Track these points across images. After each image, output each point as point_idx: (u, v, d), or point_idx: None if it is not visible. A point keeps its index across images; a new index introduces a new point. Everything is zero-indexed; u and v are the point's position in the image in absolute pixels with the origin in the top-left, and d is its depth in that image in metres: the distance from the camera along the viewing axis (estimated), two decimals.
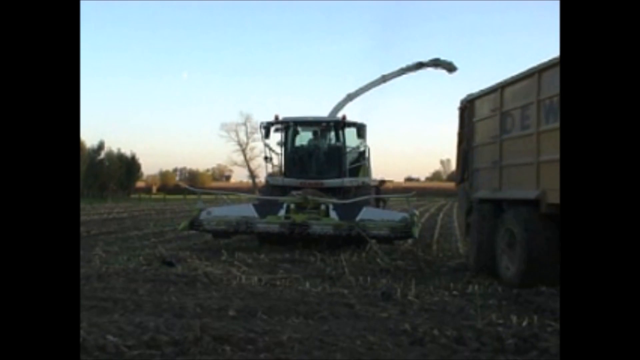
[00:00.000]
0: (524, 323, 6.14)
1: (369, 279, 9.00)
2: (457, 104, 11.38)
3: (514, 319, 6.28)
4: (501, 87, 9.50)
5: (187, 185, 32.79)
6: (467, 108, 10.84)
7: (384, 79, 17.89)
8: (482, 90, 10.37)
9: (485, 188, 10.06)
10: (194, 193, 15.69)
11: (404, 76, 18.09)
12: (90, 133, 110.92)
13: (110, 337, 5.44)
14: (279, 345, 5.34)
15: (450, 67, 18.02)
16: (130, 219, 23.51)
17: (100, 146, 60.00)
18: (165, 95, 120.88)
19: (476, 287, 8.36)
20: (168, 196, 56.29)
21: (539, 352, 5.22)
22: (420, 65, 17.98)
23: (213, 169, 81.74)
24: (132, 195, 58.24)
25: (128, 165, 62.71)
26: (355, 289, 8.19)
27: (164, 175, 73.23)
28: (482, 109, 10.32)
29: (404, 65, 18.00)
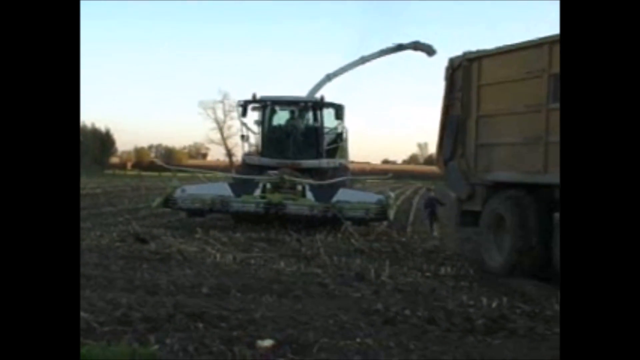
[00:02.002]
0: (494, 304, 6.24)
1: (343, 259, 9.06)
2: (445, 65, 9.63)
3: (484, 300, 6.39)
4: (550, 43, 7.56)
5: (162, 163, 32.54)
6: (465, 69, 9.10)
7: (363, 60, 17.82)
8: (498, 48, 8.71)
9: (511, 169, 8.27)
10: (169, 170, 15.56)
11: (384, 58, 18.07)
12: None
13: (82, 314, 5.41)
14: (252, 323, 5.37)
15: (429, 50, 18.01)
16: (104, 195, 23.25)
17: None
18: (141, 71, 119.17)
19: (449, 269, 8.47)
20: (143, 173, 55.75)
21: (507, 333, 5.33)
22: (400, 47, 17.94)
23: (189, 146, 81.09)
24: (106, 171, 57.54)
25: (102, 141, 61.82)
26: (329, 269, 8.24)
27: (139, 151, 72.38)
28: (498, 70, 8.58)
29: (384, 46, 17.97)
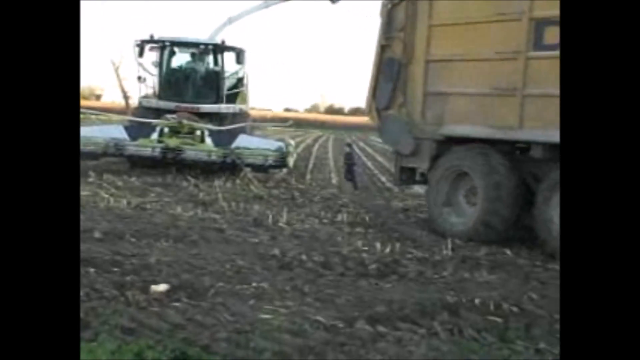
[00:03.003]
0: (387, 250, 6.49)
1: (241, 205, 9.05)
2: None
3: (378, 246, 6.63)
4: None
5: None
6: (409, 5, 7.95)
7: (267, 4, 17.47)
8: None
9: (474, 123, 7.34)
10: None
11: (288, 3, 17.78)
12: None
13: None
14: (146, 268, 5.30)
15: None
16: None
17: None
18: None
19: (345, 215, 8.68)
20: None
21: (398, 277, 5.58)
22: None
23: (82, 87, 77.09)
24: None
25: None
26: (227, 215, 8.22)
27: None
28: (458, 10, 7.51)
29: None
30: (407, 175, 8.56)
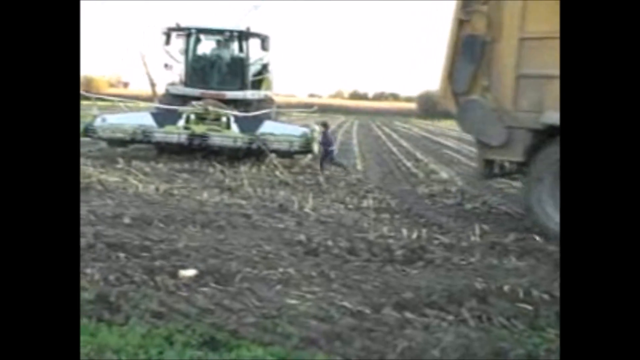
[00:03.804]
0: (413, 236, 6.46)
1: (267, 190, 9.08)
2: None
3: (404, 232, 6.60)
4: None
5: (81, 90, 31.25)
6: None
7: None
8: None
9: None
10: (88, 98, 14.89)
11: None
12: None
13: None
14: (175, 253, 5.36)
15: None
16: None
17: None
18: None
19: (371, 201, 8.66)
20: None
21: (424, 263, 5.55)
22: None
23: (111, 75, 77.67)
24: None
25: None
26: (253, 200, 8.26)
27: None
28: None
29: None
30: (490, 169, 7.55)
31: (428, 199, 9.31)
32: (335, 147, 12.02)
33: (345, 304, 4.27)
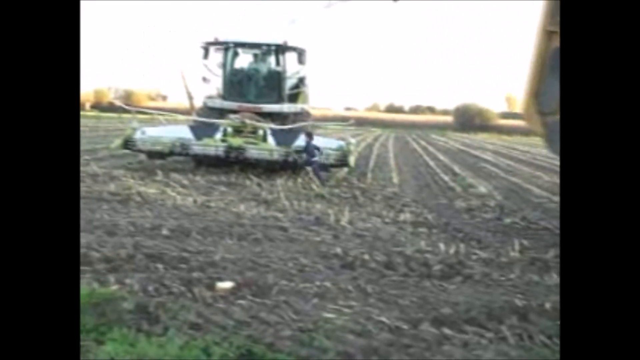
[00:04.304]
0: (451, 251, 6.38)
1: (303, 203, 9.09)
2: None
3: (442, 246, 6.52)
4: None
5: (121, 104, 31.83)
6: None
7: (328, 4, 17.56)
8: None
9: None
10: (128, 112, 15.18)
11: (349, 2, 17.79)
12: None
13: None
14: (212, 265, 5.39)
15: None
16: None
17: None
18: (101, 12, 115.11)
19: (408, 215, 8.59)
20: (101, 114, 54.54)
21: (463, 278, 5.47)
22: None
23: (150, 89, 79.12)
24: None
25: None
26: (289, 213, 8.27)
27: (97, 92, 70.38)
28: None
29: None
30: None
31: (466, 213, 9.20)
32: (318, 158, 11.98)
33: (383, 318, 4.24)
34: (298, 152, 12.02)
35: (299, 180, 11.72)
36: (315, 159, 11.95)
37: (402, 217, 8.47)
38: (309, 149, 12.00)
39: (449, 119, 70.12)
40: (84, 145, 18.14)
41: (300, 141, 12.36)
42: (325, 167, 12.36)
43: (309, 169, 12.05)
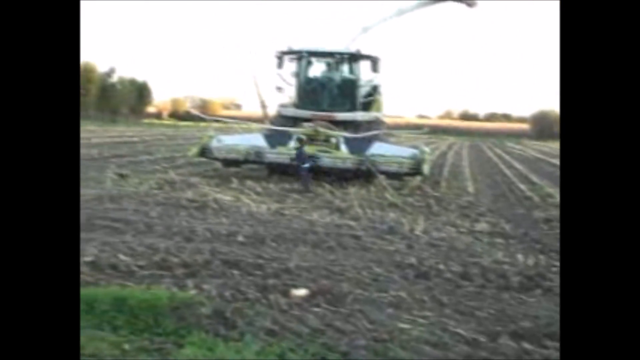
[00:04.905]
0: (530, 262, 6.20)
1: (376, 212, 9.06)
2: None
3: (520, 257, 6.35)
4: None
5: (197, 112, 32.78)
6: None
7: (401, 11, 17.42)
8: None
9: None
10: (204, 120, 15.62)
11: (422, 9, 17.62)
12: (102, 58, 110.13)
13: (122, 257, 5.56)
14: (287, 272, 5.44)
15: (470, 3, 17.50)
16: (142, 144, 23.58)
17: (112, 70, 59.76)
18: (178, 23, 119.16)
19: (484, 225, 8.41)
20: (179, 123, 56.33)
21: (543, 291, 5.30)
22: None
23: (224, 98, 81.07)
24: (144, 120, 58.35)
25: (139, 90, 62.70)
26: (362, 222, 8.25)
27: (175, 101, 72.75)
28: None
29: None
30: None
31: (544, 224, 8.91)
32: (307, 165, 11.86)
33: (459, 330, 4.16)
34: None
35: (372, 188, 11.67)
36: (306, 165, 11.93)
37: (478, 227, 8.30)
38: (300, 156, 12.04)
39: (525, 126, 68.25)
40: (162, 153, 18.77)
41: (374, 149, 12.33)
42: (399, 175, 12.29)
43: (302, 173, 12.02)
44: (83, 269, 5.15)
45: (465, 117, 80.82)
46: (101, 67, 58.63)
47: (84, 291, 4.40)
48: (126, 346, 3.69)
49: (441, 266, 5.87)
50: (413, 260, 6.08)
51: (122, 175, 11.75)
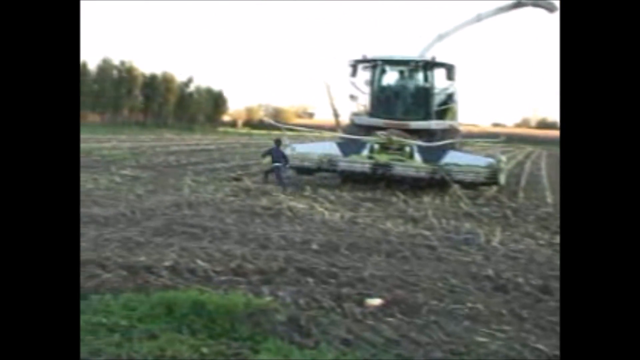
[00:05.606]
0: None
1: (451, 222, 8.90)
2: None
3: None
4: None
5: (271, 121, 33.29)
6: None
7: (479, 18, 17.12)
8: None
9: None
10: (278, 128, 15.85)
11: (500, 15, 17.26)
12: (180, 68, 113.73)
13: (200, 262, 5.69)
14: (361, 281, 5.42)
15: (550, 7, 17.00)
16: (217, 151, 24.14)
17: (190, 80, 61.60)
18: (256, 33, 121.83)
19: None
20: (253, 131, 57.34)
21: None
22: (518, 4, 17.04)
23: (297, 106, 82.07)
24: (219, 129, 59.77)
25: (215, 99, 64.42)
26: (437, 232, 8.13)
27: (249, 110, 74.23)
28: None
29: (501, 3, 17.11)
30: None
31: None
32: (281, 164, 11.94)
33: (540, 346, 4.03)
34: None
35: (447, 197, 11.50)
36: (278, 164, 11.91)
37: (558, 239, 8.01)
38: (274, 154, 12.29)
39: None
40: (237, 161, 19.14)
41: (448, 158, 12.15)
42: (474, 185, 12.06)
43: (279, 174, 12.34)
44: (162, 272, 5.31)
45: (544, 125, 78.48)
46: (179, 77, 60.62)
47: (164, 294, 4.54)
48: (204, 350, 3.76)
49: (520, 279, 5.70)
50: (490, 272, 5.93)
51: (237, 179, 12.73)
